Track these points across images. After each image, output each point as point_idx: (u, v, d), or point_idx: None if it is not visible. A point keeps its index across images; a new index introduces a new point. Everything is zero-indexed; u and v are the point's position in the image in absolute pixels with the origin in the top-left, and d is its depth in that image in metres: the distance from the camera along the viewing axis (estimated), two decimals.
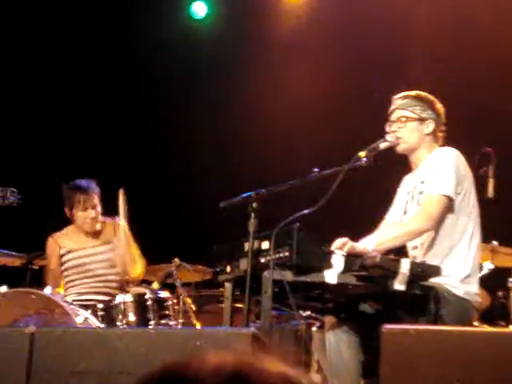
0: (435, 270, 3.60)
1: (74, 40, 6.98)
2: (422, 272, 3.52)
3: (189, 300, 5.03)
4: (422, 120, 3.90)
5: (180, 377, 0.70)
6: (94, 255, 4.96)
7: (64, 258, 4.99)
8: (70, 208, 4.95)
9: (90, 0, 7.02)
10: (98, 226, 4.98)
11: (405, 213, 3.95)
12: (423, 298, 3.53)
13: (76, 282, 4.94)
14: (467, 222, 3.79)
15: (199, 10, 7.10)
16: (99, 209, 4.94)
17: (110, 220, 5.04)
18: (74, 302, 4.53)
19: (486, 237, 4.23)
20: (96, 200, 4.93)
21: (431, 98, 3.97)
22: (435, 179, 3.76)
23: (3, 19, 6.76)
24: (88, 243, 4.99)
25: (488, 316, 4.77)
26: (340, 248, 3.47)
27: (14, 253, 5.02)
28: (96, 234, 5.02)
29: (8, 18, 6.83)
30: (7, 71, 6.81)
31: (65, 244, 5.01)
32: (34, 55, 6.94)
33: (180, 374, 0.71)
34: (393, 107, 3.97)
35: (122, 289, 4.92)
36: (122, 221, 4.87)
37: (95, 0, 7.04)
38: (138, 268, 4.88)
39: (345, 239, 3.57)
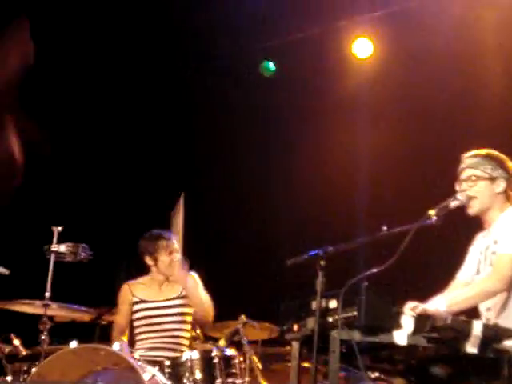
0: (509, 333, 3.51)
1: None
2: (495, 335, 3.44)
3: (255, 358, 5.00)
4: (492, 179, 3.87)
5: None
6: (165, 308, 4.99)
7: (135, 307, 5.02)
8: (153, 254, 4.99)
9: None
10: (177, 271, 5.01)
11: (477, 273, 3.89)
12: (496, 362, 3.44)
13: (145, 335, 4.96)
14: None
15: (270, 66, 7.23)
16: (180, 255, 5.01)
17: (189, 273, 5.08)
18: (142, 358, 4.55)
19: None
20: (177, 246, 5.00)
21: (502, 156, 3.94)
22: (508, 238, 3.70)
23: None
24: (161, 296, 5.03)
25: None
26: (411, 310, 3.41)
27: (83, 308, 5.08)
28: (171, 287, 5.05)
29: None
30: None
31: (138, 293, 5.05)
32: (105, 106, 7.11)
33: None
34: (463, 166, 3.94)
35: (189, 346, 4.93)
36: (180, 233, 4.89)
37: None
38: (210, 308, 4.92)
39: (416, 303, 3.52)
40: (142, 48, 7.12)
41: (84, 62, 6.98)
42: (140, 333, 4.99)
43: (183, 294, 5.03)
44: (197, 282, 4.99)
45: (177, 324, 4.98)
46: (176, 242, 5.00)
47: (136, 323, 5.02)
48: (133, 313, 5.03)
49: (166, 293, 5.06)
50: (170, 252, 5.01)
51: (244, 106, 6.98)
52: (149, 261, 5.07)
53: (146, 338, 4.96)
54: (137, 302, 5.03)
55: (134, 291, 5.07)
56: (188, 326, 5.03)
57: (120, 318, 5.03)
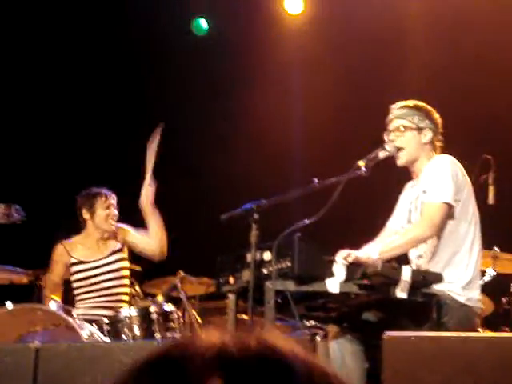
0: (436, 277, 3.62)
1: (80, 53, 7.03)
2: (424, 279, 3.55)
3: (194, 312, 5.05)
4: (419, 129, 3.94)
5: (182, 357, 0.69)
6: (103, 266, 4.99)
7: (74, 269, 5.01)
8: (91, 207, 4.98)
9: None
10: (114, 227, 5.02)
11: (408, 222, 3.98)
12: (425, 306, 3.55)
13: (83, 296, 4.97)
14: (468, 229, 3.82)
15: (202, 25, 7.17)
16: (117, 212, 5.03)
17: (118, 228, 5.09)
18: (80, 317, 4.56)
19: (488, 243, 4.26)
20: (115, 201, 5.01)
21: (429, 107, 4.01)
22: (434, 187, 3.79)
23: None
24: (98, 254, 5.03)
25: (491, 322, 4.78)
26: (344, 259, 3.49)
27: (20, 269, 5.04)
28: (106, 243, 5.05)
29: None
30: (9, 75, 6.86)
31: (76, 253, 5.04)
32: (48, 66, 6.98)
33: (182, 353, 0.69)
34: (391, 117, 4.01)
35: (128, 302, 4.95)
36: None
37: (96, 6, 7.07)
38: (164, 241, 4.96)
39: (348, 251, 3.60)
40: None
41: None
42: (80, 293, 4.99)
43: (118, 247, 5.04)
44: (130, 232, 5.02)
45: (115, 281, 4.99)
46: (114, 199, 5.01)
47: (75, 284, 5.01)
48: (71, 274, 5.01)
49: (103, 250, 5.06)
50: (108, 206, 5.00)
51: (175, 65, 6.93)
52: (85, 214, 5.03)
53: (86, 298, 4.96)
54: (75, 264, 5.02)
55: (71, 252, 5.05)
56: (126, 282, 5.05)
57: (53, 277, 5.00)
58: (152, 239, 4.93)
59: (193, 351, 0.68)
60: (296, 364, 0.67)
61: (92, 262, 5.01)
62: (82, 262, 5.01)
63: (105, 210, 4.99)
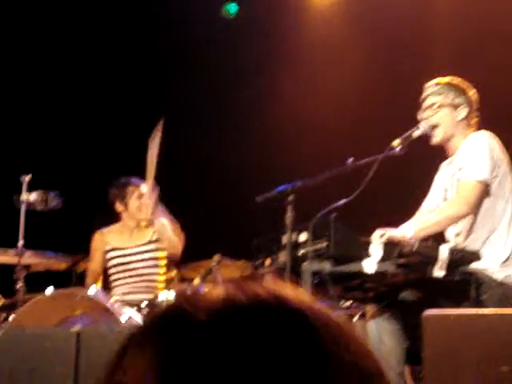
0: (474, 255, 3.60)
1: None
2: (461, 258, 3.53)
3: None
4: (454, 106, 3.90)
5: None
6: (138, 254, 5.04)
7: (109, 255, 5.07)
8: (123, 200, 5.01)
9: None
10: (150, 215, 5.04)
11: (444, 200, 3.95)
12: (463, 284, 3.53)
13: (120, 282, 5.02)
14: (505, 206, 3.79)
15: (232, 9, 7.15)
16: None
17: (156, 219, 5.11)
18: (118, 301, 4.60)
19: None
20: (146, 190, 5.04)
21: (464, 84, 3.97)
22: (470, 164, 3.75)
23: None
24: (133, 242, 5.08)
25: None
26: (379, 237, 3.48)
27: (58, 255, 5.11)
28: (143, 232, 5.09)
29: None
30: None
31: (111, 241, 5.10)
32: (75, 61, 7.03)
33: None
34: (425, 94, 3.97)
35: (165, 287, 4.99)
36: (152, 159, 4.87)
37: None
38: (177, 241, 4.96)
39: (383, 230, 3.59)
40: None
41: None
42: (115, 279, 5.05)
43: (154, 238, 5.08)
44: (165, 226, 5.00)
45: (151, 268, 5.04)
46: (145, 187, 5.03)
47: (110, 270, 5.07)
48: (107, 260, 5.07)
49: (138, 238, 5.10)
50: (139, 196, 5.03)
51: (206, 48, 6.93)
52: (119, 207, 5.10)
53: (122, 284, 5.02)
54: (110, 250, 5.07)
55: (107, 239, 5.11)
56: (162, 270, 5.10)
57: (93, 265, 5.08)
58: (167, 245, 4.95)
59: (201, 302, 0.68)
60: (309, 314, 0.66)
61: (127, 248, 5.06)
62: (117, 249, 5.07)
63: (137, 199, 5.02)
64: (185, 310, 0.68)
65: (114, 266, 5.05)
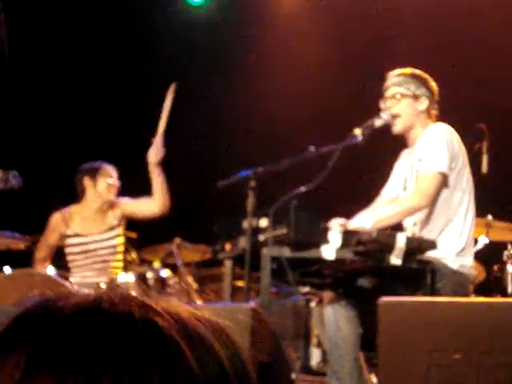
0: (431, 244, 3.66)
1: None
2: (418, 246, 3.59)
3: (190, 279, 5.10)
4: (416, 97, 3.95)
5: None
6: (99, 242, 5.01)
7: (70, 241, 5.03)
8: (93, 176, 4.99)
9: None
10: (113, 198, 5.04)
11: (404, 189, 4.01)
12: (419, 272, 3.60)
13: (79, 264, 4.99)
14: (462, 197, 3.86)
15: None
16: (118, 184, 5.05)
17: (116, 202, 5.10)
18: (77, 282, 4.59)
19: (481, 211, 4.30)
20: (116, 175, 5.04)
21: (425, 75, 4.02)
22: (429, 156, 3.82)
23: None
24: (95, 228, 5.03)
25: (484, 290, 4.84)
26: (339, 226, 3.53)
27: (17, 235, 5.07)
28: (104, 216, 5.06)
29: None
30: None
31: (73, 225, 5.05)
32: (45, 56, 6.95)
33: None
34: (387, 84, 4.02)
35: (125, 269, 5.00)
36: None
37: None
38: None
39: (342, 220, 3.64)
40: None
41: None
42: (74, 262, 5.02)
43: (114, 223, 5.06)
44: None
45: (109, 255, 5.02)
46: (116, 172, 5.03)
47: (71, 255, 5.01)
48: (67, 246, 5.02)
49: (100, 225, 5.06)
50: (111, 176, 5.03)
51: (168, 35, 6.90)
52: (87, 181, 5.02)
53: (81, 266, 4.99)
54: (71, 236, 5.03)
55: (69, 222, 5.06)
56: (120, 256, 5.08)
57: (47, 244, 5.02)
58: (155, 200, 4.95)
59: (66, 301, 0.71)
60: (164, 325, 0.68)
61: (89, 235, 5.02)
62: (78, 235, 5.03)
63: (108, 179, 5.01)
64: (49, 308, 0.71)
65: (75, 252, 5.01)
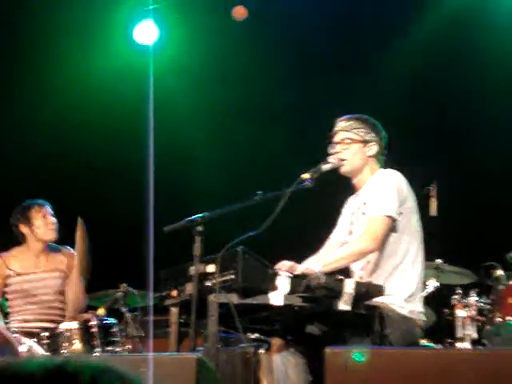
0: (379, 290, 3.63)
1: None
2: (367, 292, 3.55)
3: (136, 326, 4.99)
4: (365, 142, 3.96)
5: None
6: (40, 280, 4.90)
7: (10, 281, 4.92)
8: (27, 220, 4.88)
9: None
10: (56, 235, 4.92)
11: (350, 233, 3.99)
12: (368, 318, 3.56)
13: (20, 308, 4.86)
14: (410, 241, 3.85)
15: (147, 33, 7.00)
16: (55, 219, 4.94)
17: (64, 249, 5.01)
18: (18, 330, 4.46)
19: (431, 255, 4.29)
20: (51, 210, 4.93)
21: (374, 120, 4.04)
22: (378, 200, 3.81)
23: None
24: (36, 268, 4.93)
25: (434, 334, 4.82)
26: (287, 271, 3.48)
27: None
28: (46, 259, 4.96)
29: None
30: None
31: (13, 266, 4.94)
32: None
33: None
34: (336, 129, 4.02)
35: (68, 316, 4.86)
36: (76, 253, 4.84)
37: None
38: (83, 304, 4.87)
39: (290, 262, 3.60)
40: None
41: None
42: (15, 305, 4.89)
43: (61, 267, 4.95)
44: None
45: (53, 295, 4.90)
46: (49, 207, 4.94)
47: (10, 296, 4.90)
48: (7, 286, 4.91)
49: (44, 263, 4.96)
50: (44, 215, 4.92)
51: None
52: (23, 228, 4.94)
53: (22, 310, 4.86)
54: (12, 276, 4.91)
55: (9, 264, 4.95)
56: (63, 298, 4.96)
57: None
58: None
59: None
60: None
61: (30, 273, 4.91)
62: (19, 274, 4.91)
63: (42, 219, 4.91)
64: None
65: (15, 291, 4.89)
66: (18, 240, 5.03)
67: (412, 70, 6.42)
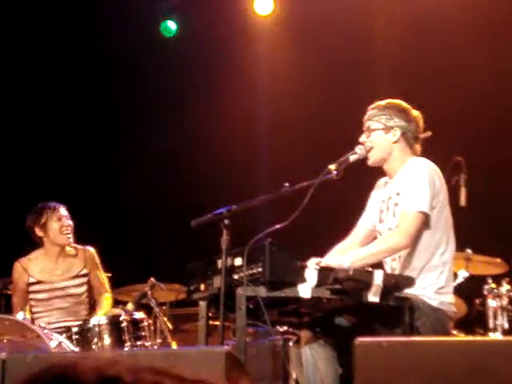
0: (408, 281, 3.59)
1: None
2: (396, 283, 3.52)
3: (165, 320, 4.99)
4: (387, 129, 3.89)
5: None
6: (64, 289, 4.87)
7: (32, 288, 4.89)
8: (42, 224, 4.86)
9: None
10: (72, 239, 4.92)
11: (380, 222, 3.93)
12: (398, 310, 3.52)
13: (45, 314, 4.84)
14: (442, 235, 3.79)
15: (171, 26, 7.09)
16: (71, 222, 4.92)
17: (81, 248, 4.99)
18: (48, 326, 4.47)
19: (460, 245, 4.24)
20: (67, 213, 4.91)
21: (403, 105, 3.94)
22: (411, 194, 3.73)
23: None
24: (58, 273, 4.90)
25: (465, 324, 4.77)
26: (315, 264, 3.46)
27: None
28: (68, 262, 4.93)
29: None
30: None
31: (32, 271, 4.90)
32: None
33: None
34: (364, 118, 3.98)
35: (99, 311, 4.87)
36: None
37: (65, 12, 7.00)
38: (108, 300, 4.88)
39: (319, 259, 3.57)
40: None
41: None
42: (39, 312, 4.86)
43: (83, 272, 4.93)
44: (95, 261, 4.92)
45: (76, 305, 4.88)
46: (64, 210, 4.91)
47: (34, 303, 4.87)
48: (30, 292, 4.89)
49: (64, 270, 4.92)
50: (59, 218, 4.89)
51: (144, 67, 6.87)
52: (39, 232, 4.90)
53: (46, 316, 4.83)
54: (34, 283, 4.89)
55: (29, 270, 4.92)
56: (86, 305, 4.93)
57: (16, 298, 4.91)
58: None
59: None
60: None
61: (52, 282, 4.88)
62: (40, 282, 4.89)
63: (56, 222, 4.88)
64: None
65: (39, 300, 4.87)
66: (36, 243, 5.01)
67: None
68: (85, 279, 4.92)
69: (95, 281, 4.92)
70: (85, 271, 4.92)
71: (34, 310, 4.87)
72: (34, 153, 6.79)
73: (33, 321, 4.75)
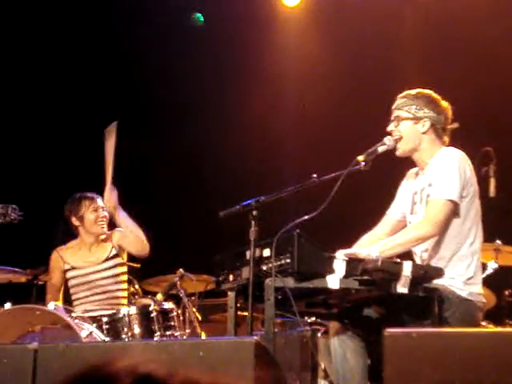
0: (438, 272, 3.58)
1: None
2: (425, 274, 3.51)
3: (194, 310, 5.03)
4: (416, 119, 3.86)
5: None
6: (98, 272, 4.97)
7: (68, 275, 5.02)
8: (78, 214, 4.96)
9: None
10: (105, 229, 4.99)
11: (412, 213, 3.91)
12: (427, 301, 3.51)
13: (82, 300, 4.95)
14: (471, 225, 3.76)
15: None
16: (107, 214, 4.99)
17: (109, 232, 5.08)
18: (79, 316, 4.53)
19: (490, 236, 4.22)
20: (103, 204, 4.98)
21: (433, 96, 3.90)
22: (441, 183, 3.70)
23: None
24: (92, 259, 5.00)
25: (495, 316, 4.75)
26: (344, 255, 3.45)
27: (18, 269, 5.03)
28: (101, 248, 5.03)
29: None
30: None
31: (69, 259, 5.03)
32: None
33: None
34: (393, 107, 3.94)
35: (129, 302, 4.94)
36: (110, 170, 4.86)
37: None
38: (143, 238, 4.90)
39: (348, 250, 3.56)
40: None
41: None
42: (77, 298, 4.98)
43: (113, 253, 5.02)
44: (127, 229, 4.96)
45: (112, 285, 4.97)
46: (100, 201, 4.99)
47: (72, 290, 5.00)
48: (67, 280, 5.01)
49: (97, 255, 5.02)
50: (95, 209, 4.98)
51: (172, 58, 6.89)
52: (75, 222, 5.02)
53: (85, 302, 4.94)
54: (69, 270, 5.00)
55: (65, 258, 5.04)
56: (124, 285, 5.04)
57: (53, 283, 5.03)
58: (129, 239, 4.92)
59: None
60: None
61: (87, 267, 4.98)
62: (75, 268, 4.99)
63: (92, 213, 4.96)
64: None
65: (75, 285, 4.98)
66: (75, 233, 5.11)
67: None
68: (117, 260, 5.00)
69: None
70: (114, 252, 5.00)
71: (73, 297, 4.98)
72: (68, 144, 6.85)
73: (72, 307, 4.85)
